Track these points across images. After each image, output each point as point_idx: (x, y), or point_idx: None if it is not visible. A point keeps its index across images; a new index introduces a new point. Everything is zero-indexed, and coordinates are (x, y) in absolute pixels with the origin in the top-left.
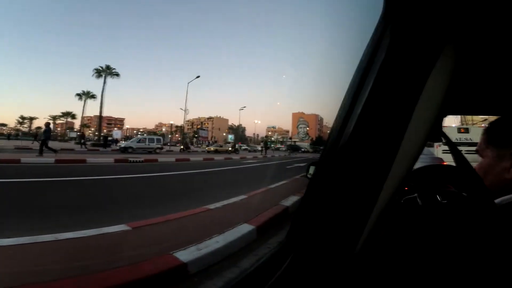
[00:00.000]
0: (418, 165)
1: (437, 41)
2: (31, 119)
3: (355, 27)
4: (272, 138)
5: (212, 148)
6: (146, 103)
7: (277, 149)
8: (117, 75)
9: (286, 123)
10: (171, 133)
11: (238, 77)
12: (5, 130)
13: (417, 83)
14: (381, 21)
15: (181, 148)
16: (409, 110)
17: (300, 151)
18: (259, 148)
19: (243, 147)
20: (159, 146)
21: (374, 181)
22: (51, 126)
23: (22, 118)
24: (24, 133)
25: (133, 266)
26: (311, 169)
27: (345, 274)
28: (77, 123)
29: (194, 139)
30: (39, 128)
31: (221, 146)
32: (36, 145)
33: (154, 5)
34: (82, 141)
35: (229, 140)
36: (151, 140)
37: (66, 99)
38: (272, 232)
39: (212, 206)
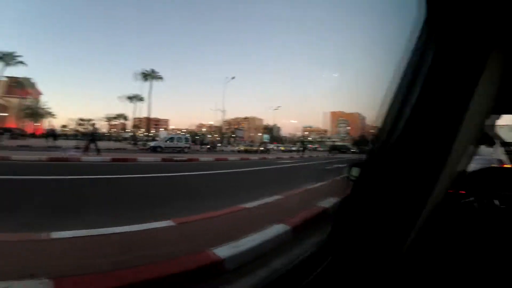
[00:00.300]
0: (475, 167)
1: (484, 47)
2: (89, 120)
3: (394, 26)
4: (309, 138)
5: (242, 148)
6: (188, 104)
7: (315, 149)
8: (161, 78)
9: (323, 123)
10: (210, 133)
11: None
12: (66, 131)
13: (466, 89)
14: (424, 27)
15: (207, 148)
16: (460, 115)
17: (341, 151)
18: (294, 148)
19: (275, 147)
20: (187, 145)
21: (424, 183)
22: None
23: (81, 120)
24: (83, 134)
25: (175, 259)
26: (354, 171)
27: (392, 274)
28: (129, 124)
29: (232, 139)
30: (96, 129)
31: (250, 146)
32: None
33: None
34: (133, 142)
35: (264, 140)
36: (179, 140)
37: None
38: (307, 233)
39: (248, 205)
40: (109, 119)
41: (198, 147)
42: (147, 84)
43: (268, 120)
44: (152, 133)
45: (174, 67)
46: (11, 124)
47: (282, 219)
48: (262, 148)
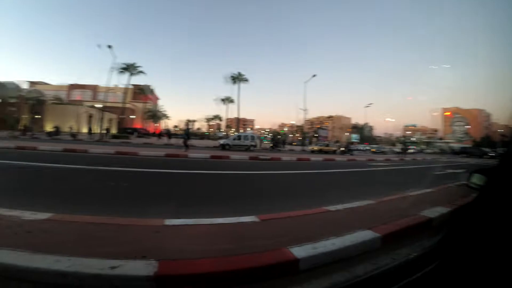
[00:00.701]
0: None
1: None
2: (194, 121)
3: None
4: (413, 138)
5: (315, 148)
6: (272, 104)
7: (421, 151)
8: (247, 80)
9: (431, 121)
10: (292, 133)
11: (363, 72)
12: (177, 131)
13: None
14: None
15: (270, 146)
16: None
17: (469, 154)
18: (387, 149)
19: (364, 148)
20: (253, 144)
21: None
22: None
23: (188, 120)
24: (191, 133)
25: (254, 254)
26: (476, 178)
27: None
28: (223, 124)
29: (314, 139)
30: (198, 129)
31: (327, 145)
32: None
33: (275, 9)
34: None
35: (353, 140)
36: (246, 138)
37: (216, 104)
38: (401, 244)
39: (332, 208)
40: (208, 120)
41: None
42: (241, 86)
43: (358, 119)
44: (241, 132)
45: (259, 69)
46: (138, 125)
47: (370, 225)
48: (343, 149)
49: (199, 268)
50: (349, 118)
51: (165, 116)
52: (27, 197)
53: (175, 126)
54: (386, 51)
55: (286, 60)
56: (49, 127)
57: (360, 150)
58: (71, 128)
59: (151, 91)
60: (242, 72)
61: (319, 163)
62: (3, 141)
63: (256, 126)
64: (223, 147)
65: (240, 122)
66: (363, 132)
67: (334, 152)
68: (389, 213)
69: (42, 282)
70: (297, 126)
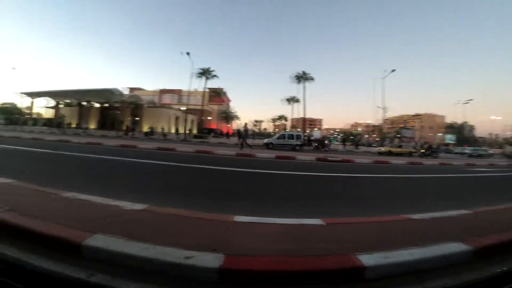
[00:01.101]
0: None
1: None
2: (260, 122)
3: None
4: None
5: (383, 149)
6: (342, 103)
7: None
8: (312, 79)
9: None
10: (368, 133)
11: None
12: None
13: None
14: None
15: (315, 146)
16: None
17: None
18: (487, 152)
19: (458, 150)
20: (298, 143)
21: None
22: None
23: (256, 121)
24: (257, 133)
25: (316, 257)
26: None
27: None
28: (288, 124)
29: (396, 139)
30: (265, 129)
31: (399, 147)
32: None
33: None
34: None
35: (448, 141)
36: (291, 137)
37: (283, 104)
38: (495, 259)
39: (415, 216)
40: (273, 120)
41: (341, 146)
42: (307, 86)
43: (455, 117)
44: (307, 132)
45: (329, 67)
46: (213, 125)
47: (461, 237)
48: (424, 151)
49: (261, 265)
50: (442, 117)
51: (236, 117)
52: (128, 189)
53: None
54: (490, 36)
55: (359, 56)
56: (145, 128)
57: (457, 153)
58: (162, 128)
59: (224, 94)
60: (307, 71)
61: (402, 166)
62: (111, 140)
63: (324, 126)
64: (267, 146)
65: (306, 122)
66: (461, 133)
67: (410, 154)
68: (488, 224)
69: (130, 266)
70: (374, 126)
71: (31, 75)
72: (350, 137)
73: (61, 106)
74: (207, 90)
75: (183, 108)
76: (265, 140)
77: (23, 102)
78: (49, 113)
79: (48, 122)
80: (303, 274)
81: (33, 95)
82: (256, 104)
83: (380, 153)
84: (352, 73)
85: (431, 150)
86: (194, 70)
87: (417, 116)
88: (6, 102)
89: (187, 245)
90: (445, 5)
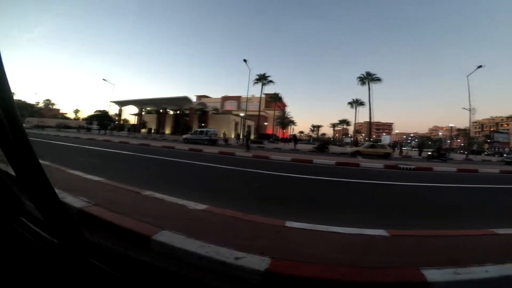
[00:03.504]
0: None
1: None
2: (318, 127)
3: None
4: None
5: (350, 150)
6: (417, 106)
7: None
8: (379, 80)
9: None
10: (451, 138)
11: None
12: (302, 137)
13: None
14: None
15: (353, 151)
16: None
17: None
18: None
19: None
20: (207, 138)
21: None
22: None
23: (313, 126)
24: (314, 139)
25: (373, 269)
26: None
27: None
28: (351, 129)
29: (486, 145)
30: (323, 134)
31: (371, 146)
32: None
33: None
34: (354, 147)
35: None
36: (201, 133)
37: (344, 108)
38: None
39: (501, 231)
40: (333, 125)
41: (416, 153)
42: (374, 88)
43: None
44: (373, 137)
45: (401, 68)
46: (269, 130)
47: None
48: (431, 153)
49: (306, 272)
50: None
51: (292, 122)
52: (192, 190)
53: (301, 132)
54: None
55: (437, 55)
56: None
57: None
58: (224, 134)
59: (280, 99)
60: (372, 72)
61: (492, 176)
62: (181, 144)
63: (396, 131)
64: (184, 140)
65: (372, 126)
66: None
67: (386, 155)
68: None
69: (185, 261)
70: (459, 130)
71: (120, 85)
72: (428, 142)
73: (143, 113)
74: (263, 96)
75: (242, 114)
76: (184, 136)
77: (113, 110)
78: (134, 120)
79: (132, 128)
80: (355, 286)
81: (120, 103)
82: (316, 110)
83: (353, 155)
84: (430, 73)
85: (440, 153)
86: (251, 76)
87: (511, 117)
88: (99, 110)
89: (238, 246)
90: None
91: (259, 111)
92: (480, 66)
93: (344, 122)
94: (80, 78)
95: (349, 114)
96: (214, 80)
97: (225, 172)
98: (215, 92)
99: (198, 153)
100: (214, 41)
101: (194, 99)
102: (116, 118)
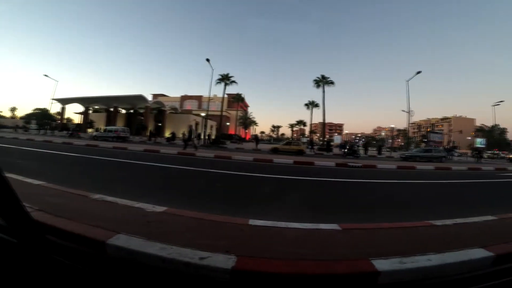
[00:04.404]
0: None
1: None
2: (278, 127)
3: None
4: None
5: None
6: (364, 107)
7: None
8: (332, 83)
9: None
10: (392, 137)
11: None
12: (263, 137)
13: None
14: None
15: (271, 148)
16: None
17: None
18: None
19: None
20: (122, 135)
21: None
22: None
23: (273, 126)
24: (274, 139)
25: (329, 261)
26: None
27: None
28: (307, 130)
29: (423, 144)
30: (282, 134)
31: (287, 143)
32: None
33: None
34: (310, 146)
35: (477, 145)
36: (122, 131)
37: (302, 109)
38: None
39: (438, 223)
40: (291, 125)
41: (362, 151)
42: (328, 90)
43: (485, 121)
44: (326, 137)
45: (351, 71)
46: (232, 131)
47: (484, 243)
48: (346, 150)
49: (272, 267)
50: (472, 120)
51: (254, 123)
52: (152, 192)
53: (262, 132)
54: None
55: (385, 60)
56: (167, 134)
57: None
58: (183, 134)
59: (242, 99)
60: (326, 75)
61: (428, 172)
62: (135, 145)
63: (345, 131)
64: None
65: (325, 127)
66: (492, 136)
67: (299, 152)
68: None
69: (147, 264)
70: (399, 130)
71: (63, 82)
72: (372, 142)
73: (90, 112)
74: (226, 96)
75: (203, 114)
76: (94, 133)
77: (55, 108)
78: (79, 119)
79: (77, 127)
80: (316, 278)
81: (63, 101)
82: (276, 110)
83: (272, 151)
84: (377, 77)
85: (353, 150)
86: (212, 76)
87: (445, 119)
88: (38, 108)
89: (202, 246)
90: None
91: (221, 111)
92: (419, 72)
93: (301, 123)
94: (19, 75)
95: (306, 115)
96: (174, 80)
97: (183, 172)
98: (175, 91)
99: (155, 154)
100: (174, 40)
101: (150, 98)
102: (59, 117)
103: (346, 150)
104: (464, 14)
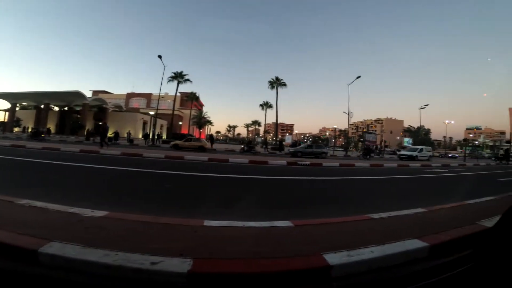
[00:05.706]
0: None
1: None
2: (234, 127)
3: None
4: (476, 142)
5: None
6: (311, 108)
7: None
8: (285, 85)
9: (497, 123)
10: (335, 137)
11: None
12: (219, 137)
13: None
14: None
15: (172, 145)
16: None
17: None
18: (428, 154)
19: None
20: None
21: None
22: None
23: (229, 126)
24: (230, 139)
25: (285, 258)
26: None
27: None
28: (262, 130)
29: (360, 144)
30: (238, 134)
31: (187, 140)
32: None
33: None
34: (264, 146)
35: (405, 144)
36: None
37: (257, 110)
38: (451, 253)
39: (375, 216)
40: (247, 125)
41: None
42: (281, 91)
43: (413, 122)
44: (279, 137)
45: (301, 74)
46: (185, 130)
47: (418, 234)
48: (243, 146)
49: (229, 268)
50: (401, 121)
51: (209, 122)
52: (90, 196)
53: (218, 132)
54: (442, 47)
55: (331, 64)
56: (109, 133)
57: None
58: (129, 133)
59: (196, 98)
60: (280, 77)
61: (342, 169)
62: (70, 145)
63: (295, 131)
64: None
65: (278, 127)
66: (418, 136)
67: (201, 148)
68: (442, 221)
69: (90, 272)
70: (340, 131)
71: None
72: (318, 141)
73: (17, 109)
74: (178, 94)
75: (152, 112)
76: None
77: None
78: (4, 117)
79: (0, 125)
80: (274, 276)
81: None
82: (231, 110)
83: (172, 147)
84: (324, 80)
85: (249, 147)
86: (165, 73)
87: (378, 121)
88: None
89: (153, 251)
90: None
91: (173, 110)
92: (358, 77)
93: (256, 123)
94: None
95: (261, 115)
96: (123, 78)
97: (132, 174)
98: (120, 88)
99: (93, 155)
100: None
101: (89, 94)
102: None
103: (245, 147)
104: (396, 26)
